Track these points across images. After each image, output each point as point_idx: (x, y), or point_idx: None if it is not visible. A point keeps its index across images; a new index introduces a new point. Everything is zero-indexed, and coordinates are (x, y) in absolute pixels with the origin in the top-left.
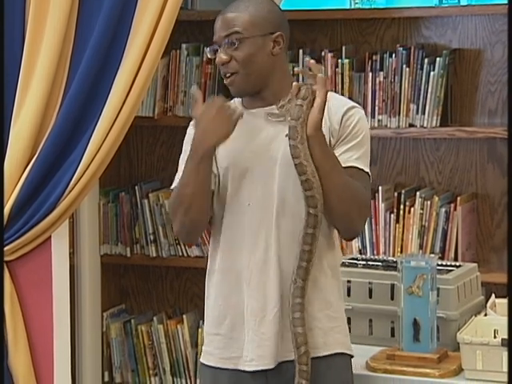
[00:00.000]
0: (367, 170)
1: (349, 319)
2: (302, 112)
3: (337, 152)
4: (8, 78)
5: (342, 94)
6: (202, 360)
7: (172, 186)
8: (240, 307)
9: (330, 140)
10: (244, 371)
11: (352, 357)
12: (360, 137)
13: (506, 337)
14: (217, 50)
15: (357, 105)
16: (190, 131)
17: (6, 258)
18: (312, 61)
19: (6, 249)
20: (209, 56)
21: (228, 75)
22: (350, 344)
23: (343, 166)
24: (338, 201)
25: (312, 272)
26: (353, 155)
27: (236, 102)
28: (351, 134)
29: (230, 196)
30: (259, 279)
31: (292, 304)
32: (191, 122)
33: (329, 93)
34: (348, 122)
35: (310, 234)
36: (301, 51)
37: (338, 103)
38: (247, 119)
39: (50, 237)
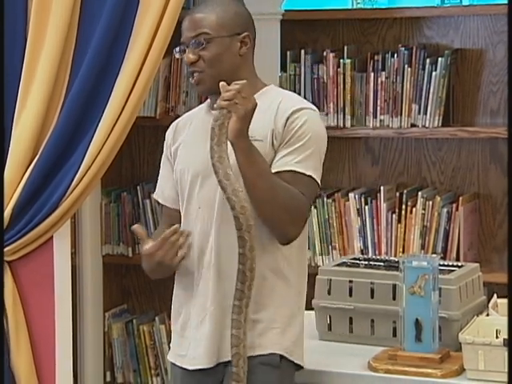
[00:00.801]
0: (309, 173)
1: (350, 319)
2: (221, 114)
3: (278, 155)
4: (9, 79)
5: (344, 96)
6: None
7: (154, 194)
8: (189, 307)
9: (272, 143)
10: (187, 369)
11: (298, 365)
12: (304, 139)
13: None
14: (184, 51)
15: (308, 106)
16: (168, 135)
17: (8, 258)
18: (223, 83)
19: (7, 249)
20: (177, 56)
21: (195, 74)
22: (292, 348)
23: (282, 169)
24: (264, 207)
25: (253, 275)
26: (293, 159)
27: (204, 105)
28: (294, 136)
29: (186, 200)
30: (204, 281)
31: (231, 306)
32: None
33: (284, 93)
34: (292, 125)
35: (240, 237)
36: (303, 51)
37: (286, 105)
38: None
39: (51, 237)
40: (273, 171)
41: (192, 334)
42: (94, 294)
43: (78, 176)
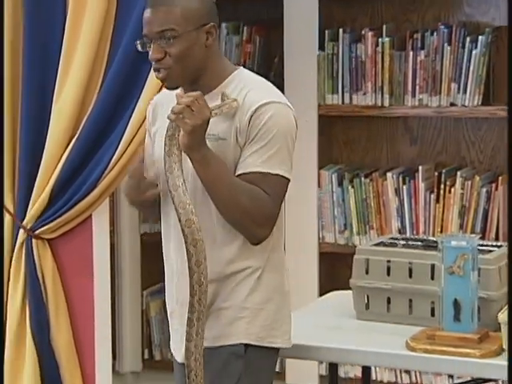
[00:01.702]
0: (276, 171)
1: (388, 299)
2: (171, 126)
3: (243, 155)
4: (50, 56)
5: (382, 75)
6: None
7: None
8: (170, 299)
9: (237, 140)
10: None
11: (274, 348)
12: (269, 137)
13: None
14: (148, 45)
15: (274, 99)
16: (148, 112)
17: (48, 236)
18: (178, 92)
19: (47, 227)
20: (139, 49)
21: (161, 70)
22: (264, 333)
23: (246, 171)
24: (225, 211)
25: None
26: (258, 159)
27: (179, 90)
28: (258, 134)
29: (162, 189)
30: (180, 275)
31: None
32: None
33: (251, 82)
34: (257, 122)
35: (187, 250)
36: (341, 30)
37: (251, 100)
38: None
39: (90, 215)
40: (238, 173)
41: (174, 326)
42: (131, 272)
43: (116, 155)
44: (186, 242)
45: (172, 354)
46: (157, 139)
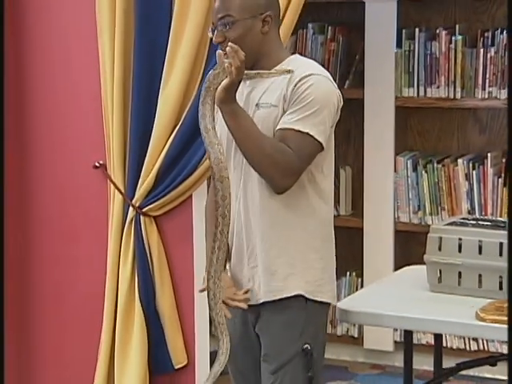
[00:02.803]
0: (306, 130)
1: (459, 273)
2: (209, 80)
3: (284, 116)
4: (158, 49)
5: (455, 70)
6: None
7: None
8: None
9: (283, 107)
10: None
11: (319, 302)
12: (307, 100)
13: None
14: (214, 29)
15: (317, 72)
16: None
17: (154, 214)
18: (230, 44)
19: (153, 205)
20: (209, 35)
21: (225, 53)
22: (312, 289)
23: (280, 127)
24: (252, 162)
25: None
26: (292, 118)
27: None
28: (299, 98)
29: (227, 159)
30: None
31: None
32: None
33: (303, 61)
34: (299, 89)
35: (214, 186)
36: (417, 29)
37: (298, 72)
38: (243, 90)
39: (191, 195)
40: (276, 128)
41: (236, 278)
42: None
43: None
44: (213, 179)
45: None
46: (219, 116)
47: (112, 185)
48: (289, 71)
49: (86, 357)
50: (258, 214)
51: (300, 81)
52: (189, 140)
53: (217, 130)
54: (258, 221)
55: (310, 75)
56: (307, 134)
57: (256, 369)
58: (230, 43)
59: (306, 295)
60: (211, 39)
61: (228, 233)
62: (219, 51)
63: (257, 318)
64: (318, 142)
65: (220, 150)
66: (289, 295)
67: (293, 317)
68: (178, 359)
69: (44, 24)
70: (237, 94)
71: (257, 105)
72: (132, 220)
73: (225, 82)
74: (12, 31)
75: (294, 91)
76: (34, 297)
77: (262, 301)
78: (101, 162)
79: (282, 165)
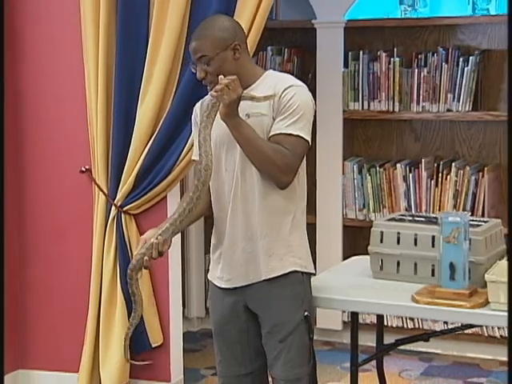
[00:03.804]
0: (296, 133)
1: (398, 262)
2: (206, 107)
3: (274, 122)
4: (135, 68)
5: (393, 87)
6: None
7: (192, 157)
8: (222, 244)
9: (271, 114)
10: (220, 287)
11: (309, 274)
12: (292, 108)
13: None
14: (195, 66)
15: (296, 83)
16: (195, 110)
17: (133, 212)
18: (221, 76)
19: (133, 205)
20: (193, 71)
21: (209, 85)
22: (305, 263)
23: (274, 133)
24: (256, 163)
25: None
26: (284, 124)
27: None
28: (286, 107)
29: (216, 161)
30: (231, 225)
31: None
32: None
33: (279, 75)
34: (284, 98)
35: (195, 185)
36: (361, 52)
37: (280, 85)
38: None
39: (166, 196)
40: (270, 134)
41: (225, 262)
42: (196, 240)
43: (185, 148)
44: (198, 180)
45: (213, 284)
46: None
47: (96, 187)
48: (273, 96)
49: (74, 338)
50: (258, 205)
51: (284, 91)
52: (164, 147)
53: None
54: (258, 211)
55: (291, 86)
56: (297, 135)
57: (241, 340)
58: (221, 77)
59: (301, 270)
60: (183, 60)
61: (207, 184)
62: (221, 76)
63: (250, 297)
64: (306, 140)
65: (211, 160)
66: (288, 271)
67: (295, 290)
68: (155, 339)
69: (35, 41)
70: None
71: (247, 114)
72: (114, 218)
73: (227, 99)
74: (9, 47)
75: (280, 100)
76: (28, 285)
77: (262, 278)
78: (87, 167)
79: (281, 164)
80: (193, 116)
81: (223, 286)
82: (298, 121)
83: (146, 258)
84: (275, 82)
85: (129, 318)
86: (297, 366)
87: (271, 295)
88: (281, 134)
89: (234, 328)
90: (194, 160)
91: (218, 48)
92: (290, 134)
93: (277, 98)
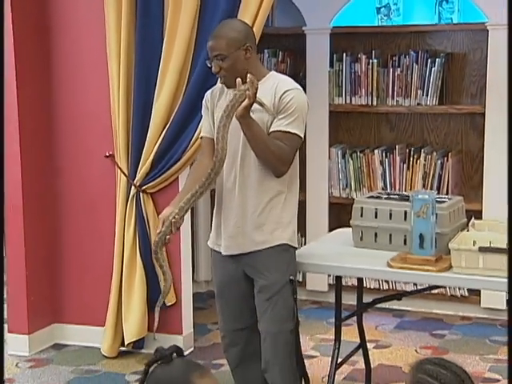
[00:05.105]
0: (294, 131)
1: (375, 234)
2: (235, 99)
3: (275, 120)
4: (152, 68)
5: (372, 84)
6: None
7: (201, 134)
8: (222, 214)
9: (272, 109)
10: (221, 254)
11: (295, 248)
12: (291, 109)
13: (482, 245)
14: (211, 61)
15: (294, 86)
16: (207, 95)
17: (150, 191)
18: (249, 75)
19: (150, 184)
20: (208, 65)
21: (221, 79)
22: (292, 238)
23: (275, 129)
24: (261, 155)
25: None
26: (283, 122)
27: (221, 85)
28: (285, 107)
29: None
30: (231, 199)
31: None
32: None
33: (280, 77)
34: (284, 100)
35: (208, 173)
36: (344, 54)
37: (281, 87)
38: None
39: (177, 177)
40: (270, 130)
41: (222, 232)
42: (204, 213)
43: (194, 137)
44: (211, 170)
45: (214, 250)
46: (218, 109)
47: (119, 169)
48: (272, 111)
49: (101, 296)
50: (255, 189)
51: (284, 93)
52: (176, 135)
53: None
54: (254, 193)
55: (291, 89)
56: (294, 133)
57: (241, 302)
58: (248, 75)
59: (289, 243)
60: (192, 62)
61: (220, 170)
62: (239, 79)
63: (246, 264)
64: (301, 137)
65: (225, 154)
66: (277, 243)
67: (282, 258)
68: (169, 299)
69: (66, 42)
70: (229, 97)
71: (251, 110)
72: (134, 195)
73: (245, 103)
74: (43, 51)
75: (281, 101)
76: (62, 252)
77: (253, 249)
78: (110, 153)
79: (281, 157)
80: (203, 101)
81: (222, 252)
82: (295, 120)
83: (167, 236)
84: (277, 83)
85: (147, 280)
86: (280, 321)
87: (262, 262)
88: (280, 131)
89: (233, 290)
90: (201, 137)
91: (232, 48)
92: (288, 132)
93: (277, 97)
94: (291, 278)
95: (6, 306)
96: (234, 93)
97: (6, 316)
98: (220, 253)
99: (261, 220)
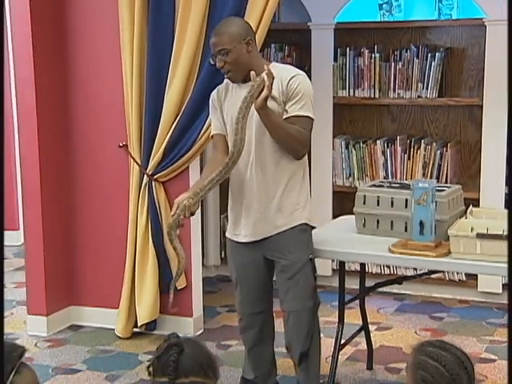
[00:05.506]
0: (307, 114)
1: (377, 220)
2: (253, 89)
3: (287, 107)
4: (163, 62)
5: (374, 77)
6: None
7: (212, 132)
8: (239, 204)
9: (281, 98)
10: (240, 242)
11: (312, 227)
12: (300, 94)
13: (480, 232)
14: (214, 59)
15: (299, 72)
16: (213, 94)
17: (162, 180)
18: (266, 66)
19: (161, 173)
20: (212, 63)
21: (226, 74)
22: (310, 218)
23: (290, 115)
24: (281, 141)
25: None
26: (296, 107)
27: (227, 81)
28: (294, 93)
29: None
30: (248, 189)
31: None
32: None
33: (282, 66)
34: (291, 86)
35: (226, 163)
36: (348, 49)
37: (285, 74)
38: (240, 91)
39: (188, 167)
40: (285, 116)
41: (243, 221)
42: (213, 201)
43: (204, 128)
44: (229, 159)
45: (231, 240)
46: (227, 104)
47: (132, 159)
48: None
49: (115, 280)
50: (272, 171)
51: (290, 79)
52: (186, 126)
53: (226, 117)
54: (272, 176)
55: (295, 75)
56: (307, 116)
57: (259, 286)
58: (265, 66)
59: (308, 223)
60: (202, 56)
61: (240, 155)
62: (252, 72)
63: (266, 248)
64: (312, 119)
65: (243, 145)
66: (297, 224)
67: (302, 237)
68: (180, 282)
69: (83, 43)
70: (235, 93)
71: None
72: (146, 184)
73: (263, 94)
74: (60, 45)
75: (289, 87)
76: (78, 238)
77: (274, 233)
78: (124, 143)
79: (301, 140)
80: (210, 100)
81: (242, 241)
82: (305, 104)
83: (181, 217)
84: (281, 72)
85: (159, 265)
86: (303, 299)
87: (283, 243)
88: (295, 116)
89: (252, 276)
90: (212, 136)
91: (235, 41)
92: (302, 116)
93: (285, 84)
94: (311, 256)
95: (25, 289)
96: (252, 84)
97: (25, 298)
98: (237, 242)
99: (282, 203)
